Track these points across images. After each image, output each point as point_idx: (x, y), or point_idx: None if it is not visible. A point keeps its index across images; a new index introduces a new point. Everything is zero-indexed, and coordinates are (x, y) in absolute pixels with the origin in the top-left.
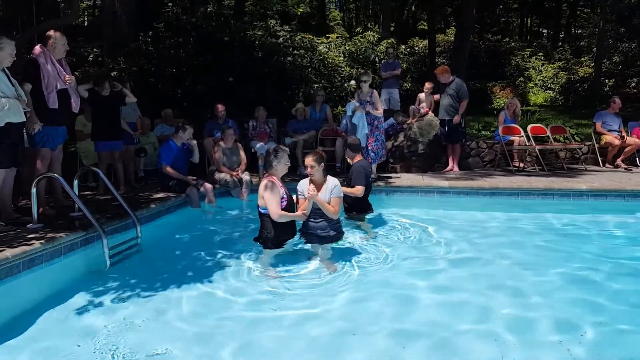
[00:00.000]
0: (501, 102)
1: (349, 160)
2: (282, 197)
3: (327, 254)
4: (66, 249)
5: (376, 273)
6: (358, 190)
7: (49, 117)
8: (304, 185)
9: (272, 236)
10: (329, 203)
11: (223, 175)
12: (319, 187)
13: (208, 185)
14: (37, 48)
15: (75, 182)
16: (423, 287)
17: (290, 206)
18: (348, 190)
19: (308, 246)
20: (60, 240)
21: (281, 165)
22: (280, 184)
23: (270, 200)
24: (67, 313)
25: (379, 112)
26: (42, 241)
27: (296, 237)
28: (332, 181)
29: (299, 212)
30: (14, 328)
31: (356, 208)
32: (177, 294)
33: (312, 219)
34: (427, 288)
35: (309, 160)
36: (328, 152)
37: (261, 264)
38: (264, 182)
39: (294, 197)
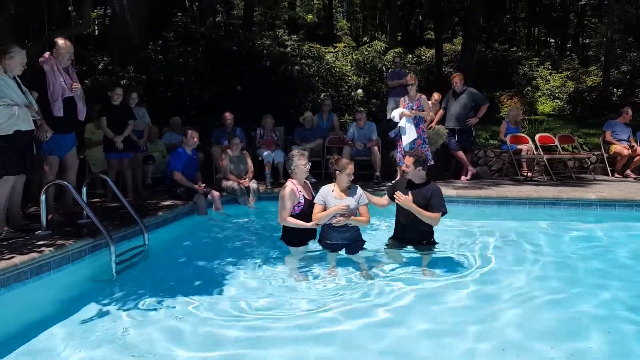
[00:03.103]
0: None
1: (416, 181)
2: (299, 202)
3: (363, 260)
4: (74, 256)
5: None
6: (437, 217)
7: (54, 125)
8: (327, 194)
9: (291, 237)
10: (356, 212)
11: (230, 183)
12: (343, 193)
13: (215, 193)
14: (45, 56)
15: (84, 189)
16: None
17: (307, 212)
18: (427, 214)
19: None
20: (68, 248)
21: (299, 169)
22: (300, 188)
23: (281, 204)
24: (74, 320)
25: (426, 114)
26: (50, 248)
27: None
28: (359, 190)
29: (310, 223)
30: (21, 335)
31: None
32: (185, 302)
33: (335, 229)
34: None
35: (353, 167)
36: None
37: (288, 266)
38: (284, 185)
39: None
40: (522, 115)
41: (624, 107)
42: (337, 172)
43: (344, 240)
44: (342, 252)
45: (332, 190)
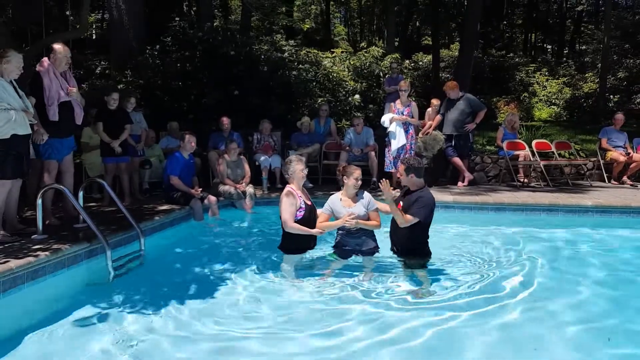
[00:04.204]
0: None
1: (412, 188)
2: (300, 208)
3: (371, 264)
4: (70, 260)
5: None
6: (408, 219)
7: (52, 130)
8: (335, 203)
9: (292, 245)
10: (366, 218)
11: (227, 188)
12: (351, 200)
13: (212, 198)
14: (43, 62)
15: (81, 194)
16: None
17: (308, 218)
18: (397, 212)
19: (326, 258)
20: (64, 252)
21: (296, 174)
22: (300, 194)
23: (284, 210)
24: (70, 325)
25: (415, 121)
26: (46, 252)
27: (317, 248)
28: (367, 196)
29: (314, 230)
30: (16, 340)
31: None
32: (181, 307)
33: (350, 235)
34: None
35: (360, 173)
36: (331, 165)
37: (285, 272)
38: (284, 191)
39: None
40: (519, 122)
41: (616, 113)
42: (345, 178)
43: (358, 246)
44: (346, 260)
45: (340, 199)
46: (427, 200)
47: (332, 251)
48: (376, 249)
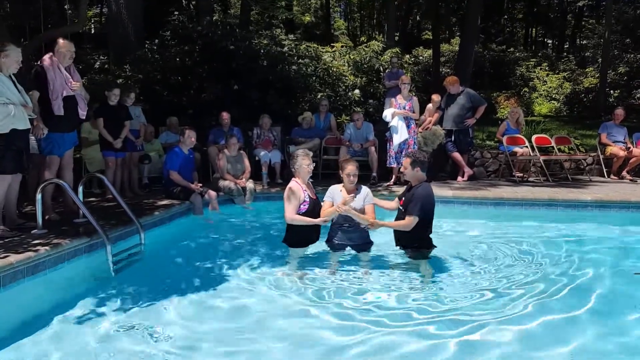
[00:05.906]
0: (505, 112)
1: (413, 183)
2: (304, 201)
3: (367, 257)
4: (70, 255)
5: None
6: (406, 223)
7: (55, 124)
8: (335, 192)
9: (294, 238)
10: (362, 211)
11: (227, 183)
12: (350, 193)
13: (212, 193)
14: (46, 56)
15: (80, 189)
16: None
17: (312, 212)
18: (394, 224)
19: (327, 251)
20: (64, 247)
21: (302, 168)
22: (304, 187)
23: (287, 203)
24: (70, 320)
25: (415, 116)
26: (46, 247)
27: (320, 243)
28: (364, 190)
29: (317, 219)
30: (17, 334)
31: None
32: (181, 301)
33: (345, 226)
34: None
35: (354, 168)
36: (331, 160)
37: (289, 265)
38: (289, 184)
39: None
40: (523, 116)
41: (616, 108)
42: (341, 171)
43: (350, 241)
44: (346, 253)
45: (340, 190)
46: (419, 195)
47: (325, 246)
48: (369, 244)
